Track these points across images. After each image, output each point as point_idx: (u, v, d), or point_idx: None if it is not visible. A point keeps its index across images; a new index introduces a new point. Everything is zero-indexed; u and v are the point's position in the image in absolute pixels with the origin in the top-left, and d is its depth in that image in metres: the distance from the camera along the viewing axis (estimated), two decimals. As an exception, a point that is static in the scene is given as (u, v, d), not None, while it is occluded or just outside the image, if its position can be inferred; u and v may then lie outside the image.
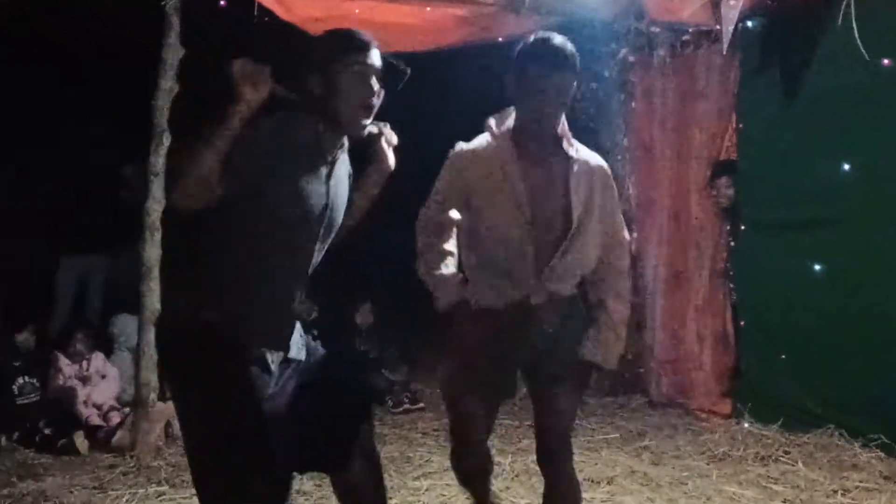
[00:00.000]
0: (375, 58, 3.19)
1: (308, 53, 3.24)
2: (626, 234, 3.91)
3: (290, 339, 3.30)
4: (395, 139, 3.42)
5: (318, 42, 3.27)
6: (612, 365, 3.75)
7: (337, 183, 3.31)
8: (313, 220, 3.23)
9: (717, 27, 5.73)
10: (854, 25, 5.93)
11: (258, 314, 3.20)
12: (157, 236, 6.17)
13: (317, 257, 3.34)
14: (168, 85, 6.17)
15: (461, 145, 3.72)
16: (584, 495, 4.89)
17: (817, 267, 6.35)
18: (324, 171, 3.23)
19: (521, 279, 3.57)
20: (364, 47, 3.18)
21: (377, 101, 3.20)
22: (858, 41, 5.91)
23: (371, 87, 3.17)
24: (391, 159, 3.43)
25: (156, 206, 6.14)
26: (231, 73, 2.97)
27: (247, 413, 3.12)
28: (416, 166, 3.83)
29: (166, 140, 6.15)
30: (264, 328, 3.22)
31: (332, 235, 3.36)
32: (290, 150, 3.15)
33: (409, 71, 3.36)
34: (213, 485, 3.11)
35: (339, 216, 3.36)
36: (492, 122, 3.68)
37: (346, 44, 3.18)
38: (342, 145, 3.29)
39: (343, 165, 3.37)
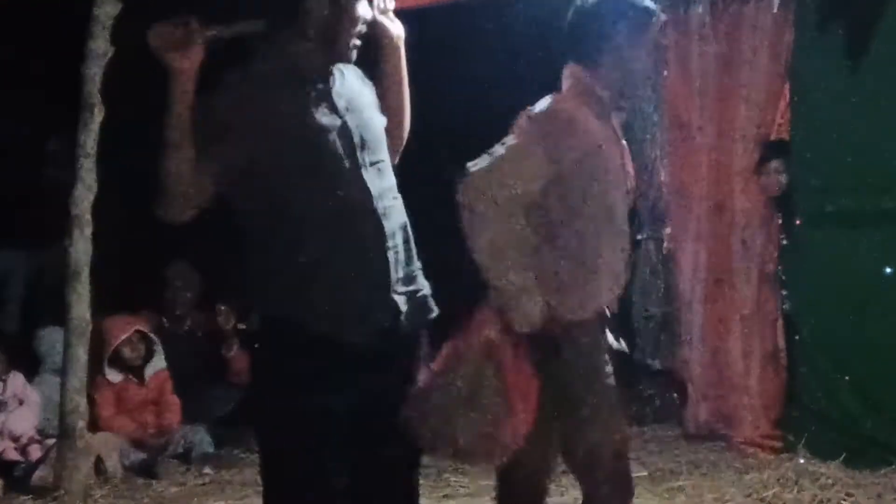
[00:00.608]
0: None
1: None
2: None
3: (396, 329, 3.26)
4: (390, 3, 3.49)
5: None
6: None
7: (349, 96, 3.29)
8: (345, 148, 3.19)
9: (768, -24, 5.60)
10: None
11: (350, 305, 3.16)
12: (88, 231, 6.14)
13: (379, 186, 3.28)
14: (101, 48, 6.11)
15: None
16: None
17: (891, 269, 6.29)
18: (319, 93, 3.21)
19: None
20: None
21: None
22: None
23: (367, 5, 3.26)
24: (396, 26, 3.48)
25: (86, 194, 6.12)
26: (153, 47, 2.95)
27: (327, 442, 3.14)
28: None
29: (99, 114, 6.12)
30: (364, 321, 3.18)
31: (387, 154, 3.37)
32: (282, 85, 3.16)
33: None
34: None
35: (375, 130, 3.34)
36: None
37: None
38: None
39: (348, 74, 3.35)
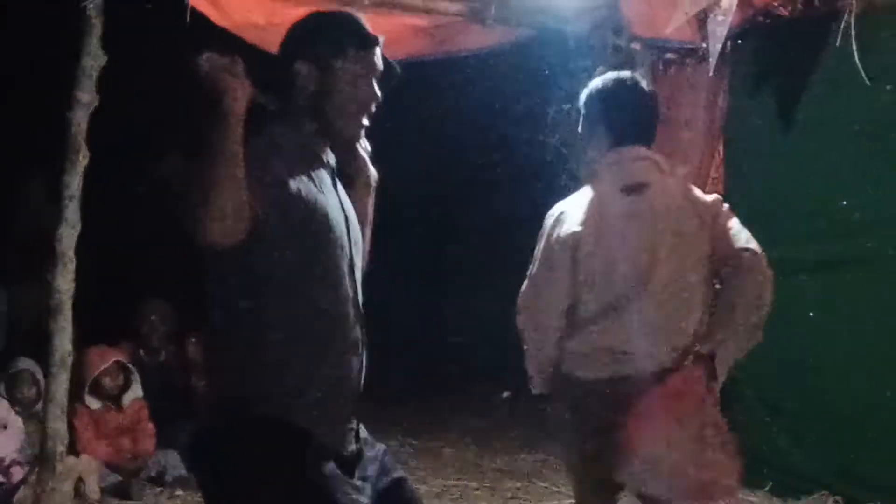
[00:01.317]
0: (380, 56, 3.03)
1: (294, 45, 3.03)
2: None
3: (352, 426, 3.05)
4: (368, 147, 3.27)
5: (315, 31, 3.04)
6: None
7: (344, 193, 3.13)
8: (340, 243, 2.98)
9: (704, 45, 5.79)
10: (854, 48, 6.02)
11: (319, 396, 2.91)
12: (71, 266, 6.08)
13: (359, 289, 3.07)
14: (87, 97, 6.10)
15: None
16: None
17: (816, 313, 6.39)
18: (328, 178, 3.04)
19: None
20: (374, 42, 3.02)
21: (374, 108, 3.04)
22: (859, 65, 6.02)
23: (375, 89, 3.02)
24: (372, 168, 3.29)
25: (70, 232, 6.07)
26: (203, 72, 2.68)
27: None
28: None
29: (83, 159, 6.07)
30: (328, 413, 2.95)
31: (363, 263, 3.16)
32: (300, 158, 2.96)
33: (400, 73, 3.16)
34: None
35: (358, 231, 3.14)
36: None
37: (357, 36, 3.01)
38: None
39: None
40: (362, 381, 3.04)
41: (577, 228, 3.80)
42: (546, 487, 6.73)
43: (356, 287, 3.02)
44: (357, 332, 3.00)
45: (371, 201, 3.31)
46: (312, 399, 2.88)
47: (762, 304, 3.88)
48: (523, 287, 3.95)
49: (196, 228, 2.62)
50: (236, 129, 2.65)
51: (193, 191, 2.65)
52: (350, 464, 2.96)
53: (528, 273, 3.98)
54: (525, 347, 3.95)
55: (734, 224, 3.95)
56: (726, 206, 3.99)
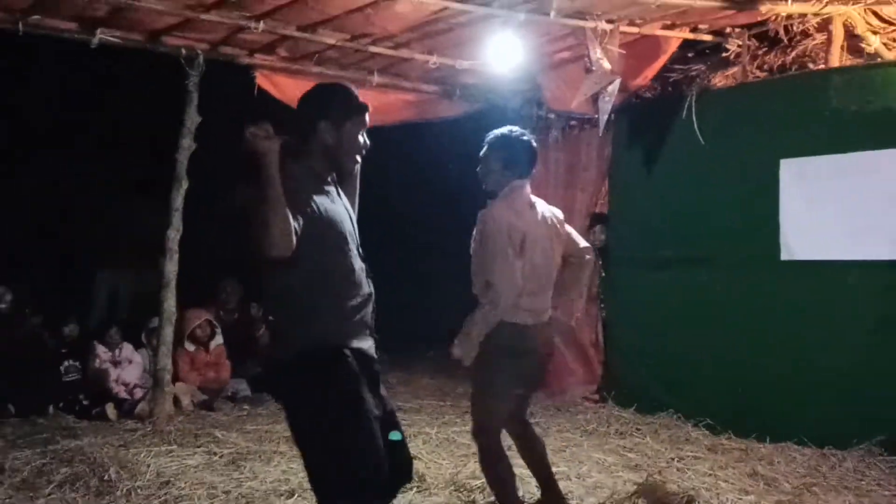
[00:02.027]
0: (367, 117, 3.11)
1: (317, 109, 3.04)
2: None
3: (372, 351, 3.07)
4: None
5: (330, 100, 3.08)
6: (459, 357, 3.77)
7: (344, 199, 3.14)
8: (349, 233, 3.04)
9: (596, 116, 5.82)
10: (694, 118, 6.10)
11: (354, 333, 2.98)
12: (175, 257, 6.09)
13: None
14: (187, 143, 6.11)
15: None
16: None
17: (664, 293, 6.42)
18: (335, 192, 3.07)
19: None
20: (366, 109, 3.09)
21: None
22: (696, 129, 6.09)
23: (366, 139, 3.09)
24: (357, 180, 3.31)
25: (174, 234, 6.08)
26: (247, 137, 2.83)
27: (371, 425, 2.89)
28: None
29: (184, 185, 6.07)
30: (359, 345, 3.00)
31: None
32: (316, 182, 2.99)
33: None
34: (341, 492, 2.83)
35: (355, 222, 3.17)
36: None
37: (358, 105, 3.07)
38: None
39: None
40: (373, 320, 3.09)
41: (523, 229, 3.77)
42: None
43: (360, 256, 3.05)
44: (366, 285, 3.05)
45: (356, 198, 3.29)
46: (344, 331, 2.95)
47: (587, 278, 4.25)
48: (497, 270, 3.72)
49: (260, 250, 2.73)
50: (275, 170, 2.75)
51: (255, 223, 2.73)
52: (374, 382, 3.02)
53: (484, 257, 3.78)
54: (480, 318, 3.71)
55: (571, 230, 4.07)
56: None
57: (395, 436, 3.02)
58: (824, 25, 5.87)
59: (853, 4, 5.45)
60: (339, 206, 3.04)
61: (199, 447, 5.31)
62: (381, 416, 2.97)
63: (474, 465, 4.71)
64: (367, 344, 3.03)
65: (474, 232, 3.85)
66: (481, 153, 3.98)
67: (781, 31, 6.02)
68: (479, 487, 4.39)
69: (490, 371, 3.79)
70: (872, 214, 5.27)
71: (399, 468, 3.03)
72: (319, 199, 2.94)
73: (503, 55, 5.69)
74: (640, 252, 6.62)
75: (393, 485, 3.03)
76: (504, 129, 3.96)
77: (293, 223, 2.76)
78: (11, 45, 5.69)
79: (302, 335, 2.93)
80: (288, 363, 2.94)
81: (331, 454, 2.85)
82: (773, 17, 5.67)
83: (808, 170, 5.57)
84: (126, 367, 6.68)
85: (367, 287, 3.07)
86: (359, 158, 3.12)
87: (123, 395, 6.50)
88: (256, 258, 2.81)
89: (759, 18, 5.68)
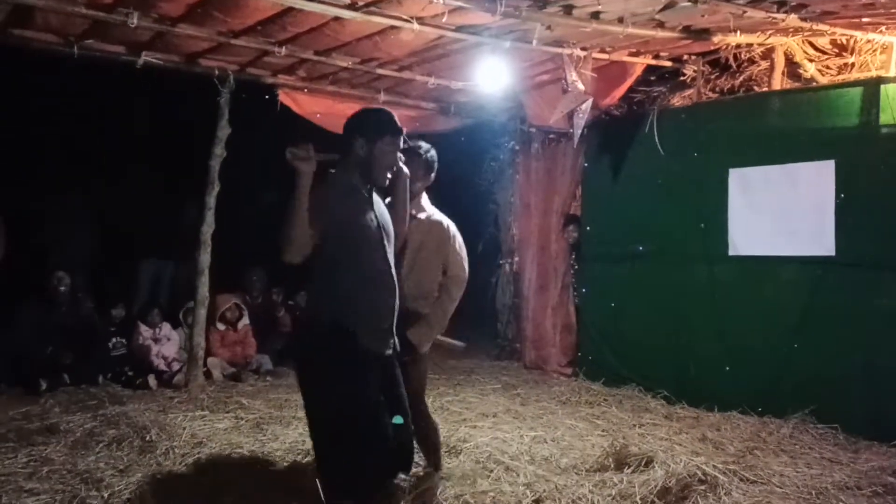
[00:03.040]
0: (403, 139, 3.10)
1: (356, 128, 3.03)
2: (461, 272, 3.67)
3: (392, 339, 3.09)
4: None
5: (367, 120, 3.07)
6: (424, 348, 3.60)
7: (379, 207, 3.13)
8: (377, 237, 3.03)
9: (571, 130, 5.82)
10: (655, 133, 6.09)
11: (374, 320, 2.97)
12: (208, 249, 6.08)
13: (392, 262, 3.10)
14: (219, 151, 6.12)
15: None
16: (475, 424, 5.02)
17: (628, 283, 6.42)
18: (366, 202, 3.06)
19: None
20: (400, 132, 3.07)
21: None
22: (657, 142, 6.08)
23: (397, 158, 3.09)
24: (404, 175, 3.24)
25: (208, 229, 6.09)
26: (287, 155, 2.83)
27: (374, 402, 2.88)
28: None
29: (216, 188, 6.07)
30: (377, 331, 3.01)
31: (393, 244, 3.16)
32: (348, 192, 3.01)
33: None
34: (344, 462, 2.80)
35: (390, 229, 3.14)
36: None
37: (391, 127, 3.05)
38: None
39: (377, 195, 3.17)
40: (396, 314, 3.11)
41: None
42: (477, 379, 6.70)
43: (389, 258, 3.05)
44: (392, 283, 3.07)
45: (404, 188, 3.23)
46: (369, 322, 2.96)
47: None
48: (462, 272, 3.65)
49: (280, 252, 2.83)
50: (305, 189, 2.77)
51: (279, 228, 2.77)
52: (387, 364, 3.04)
53: (457, 263, 3.66)
54: (446, 315, 3.62)
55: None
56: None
57: (396, 419, 3.02)
58: (768, 54, 5.89)
59: (793, 36, 5.46)
60: (370, 215, 3.03)
61: (227, 413, 5.30)
62: (390, 398, 2.99)
63: (465, 430, 4.80)
64: (383, 337, 3.03)
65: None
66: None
67: (731, 59, 6.03)
68: (467, 449, 4.40)
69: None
70: (802, 217, 5.27)
71: (398, 450, 3.02)
72: (349, 207, 2.95)
73: (492, 77, 5.71)
74: (608, 248, 6.60)
75: (394, 465, 3.03)
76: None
77: (308, 233, 2.79)
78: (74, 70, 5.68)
79: (323, 320, 2.94)
80: (309, 341, 2.96)
81: (334, 429, 2.86)
82: (724, 46, 5.67)
83: (752, 178, 5.57)
84: (165, 344, 6.65)
85: (390, 286, 3.06)
86: (389, 174, 3.09)
87: (163, 367, 6.48)
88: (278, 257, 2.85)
89: (712, 47, 5.67)
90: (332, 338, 2.91)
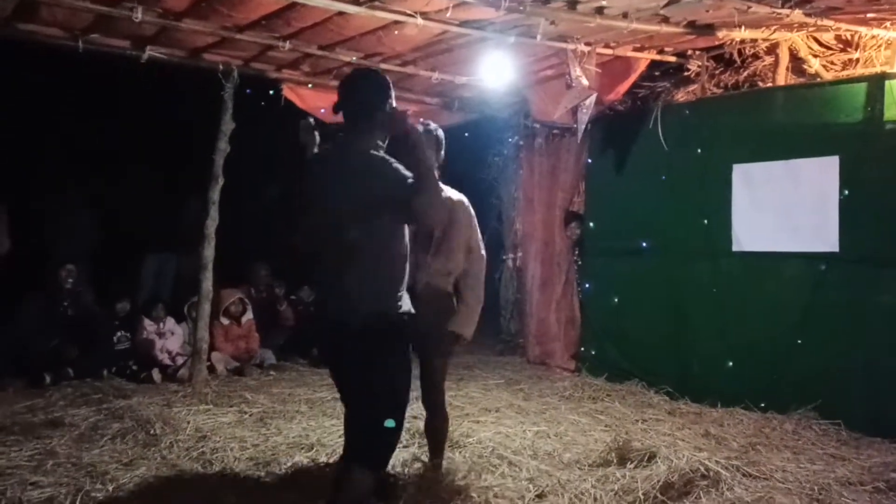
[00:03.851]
0: None
1: (376, 92, 2.99)
2: (482, 252, 3.64)
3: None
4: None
5: (378, 83, 3.04)
6: (469, 335, 3.57)
7: None
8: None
9: (575, 125, 5.82)
10: (659, 128, 6.08)
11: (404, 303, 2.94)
12: (212, 243, 6.08)
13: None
14: (223, 146, 6.11)
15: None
16: (478, 419, 5.02)
17: (631, 279, 6.39)
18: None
19: None
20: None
21: None
22: (661, 138, 6.06)
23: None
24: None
25: (212, 223, 6.07)
26: (300, 127, 3.14)
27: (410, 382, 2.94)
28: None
29: (220, 182, 6.07)
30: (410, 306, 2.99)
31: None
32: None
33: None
34: (389, 437, 2.83)
35: None
36: None
37: (388, 81, 3.07)
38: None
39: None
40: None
41: None
42: (480, 374, 6.72)
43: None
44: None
45: (416, 146, 2.93)
46: (402, 303, 2.90)
47: None
48: (483, 252, 3.64)
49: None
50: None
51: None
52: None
53: (479, 242, 3.64)
54: (479, 300, 3.60)
55: None
56: None
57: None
58: (772, 49, 5.87)
59: (797, 31, 5.44)
60: None
61: (231, 407, 5.31)
62: None
63: (468, 425, 4.80)
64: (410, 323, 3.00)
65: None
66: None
67: (735, 54, 6.00)
68: (470, 444, 4.40)
69: None
70: (806, 213, 5.26)
71: None
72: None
73: (496, 72, 5.69)
74: (611, 244, 6.58)
75: None
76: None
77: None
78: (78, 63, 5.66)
79: (389, 302, 2.87)
80: (353, 329, 2.83)
81: (398, 404, 2.85)
82: (729, 42, 5.65)
83: (756, 174, 5.55)
84: (169, 338, 6.67)
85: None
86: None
87: (167, 361, 6.50)
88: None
89: (716, 42, 5.66)
90: (401, 317, 2.88)
